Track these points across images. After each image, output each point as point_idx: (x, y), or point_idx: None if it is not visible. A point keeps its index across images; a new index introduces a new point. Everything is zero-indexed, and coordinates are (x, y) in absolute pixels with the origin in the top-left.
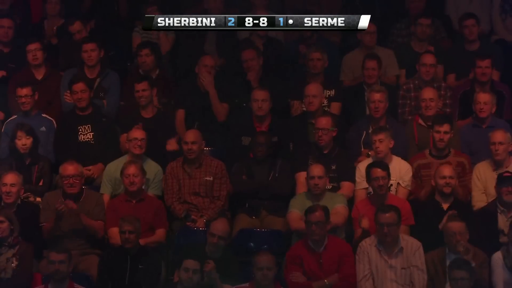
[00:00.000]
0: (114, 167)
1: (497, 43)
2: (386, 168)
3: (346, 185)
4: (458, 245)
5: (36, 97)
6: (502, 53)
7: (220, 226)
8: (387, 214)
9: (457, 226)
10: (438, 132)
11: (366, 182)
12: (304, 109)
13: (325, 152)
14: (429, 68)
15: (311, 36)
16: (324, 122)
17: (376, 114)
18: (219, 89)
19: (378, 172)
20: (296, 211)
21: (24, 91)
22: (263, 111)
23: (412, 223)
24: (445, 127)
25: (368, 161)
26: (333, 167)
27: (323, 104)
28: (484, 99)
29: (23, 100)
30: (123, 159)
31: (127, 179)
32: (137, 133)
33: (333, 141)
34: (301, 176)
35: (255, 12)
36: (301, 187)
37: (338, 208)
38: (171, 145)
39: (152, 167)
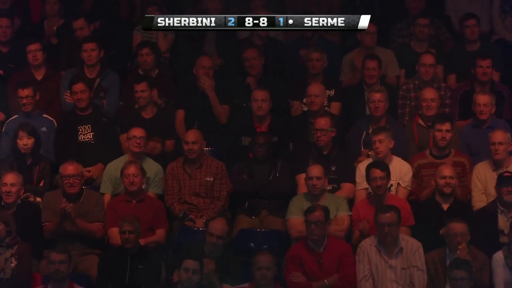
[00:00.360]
0: (114, 166)
1: (497, 43)
2: (385, 168)
3: (346, 186)
4: (460, 251)
5: (37, 97)
6: (502, 53)
7: (218, 226)
8: (387, 214)
9: (459, 227)
10: (440, 130)
11: (366, 182)
12: (305, 109)
13: (325, 153)
14: (428, 68)
15: (312, 36)
16: (322, 122)
17: (376, 113)
18: (219, 90)
19: (377, 172)
20: (296, 218)
21: (26, 92)
22: (263, 111)
23: (412, 224)
24: (447, 126)
25: (368, 161)
26: (333, 168)
27: (324, 104)
28: (484, 101)
29: (25, 101)
30: (123, 159)
31: (127, 179)
32: (136, 131)
33: (333, 141)
34: (302, 178)
35: (254, 13)
36: (303, 189)
37: (341, 217)
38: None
39: (152, 166)
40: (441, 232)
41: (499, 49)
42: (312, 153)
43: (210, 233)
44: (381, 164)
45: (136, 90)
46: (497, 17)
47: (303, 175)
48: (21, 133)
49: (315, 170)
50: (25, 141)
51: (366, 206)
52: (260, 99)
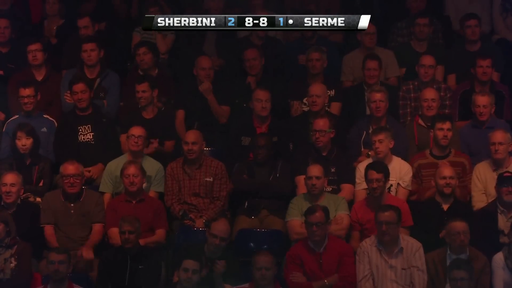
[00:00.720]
0: (114, 165)
1: (498, 43)
2: (382, 170)
3: (346, 187)
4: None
5: (39, 97)
6: (503, 53)
7: (221, 227)
8: (386, 213)
9: (461, 226)
10: (441, 129)
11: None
12: (305, 109)
13: (324, 154)
14: (428, 69)
15: (312, 36)
16: (321, 123)
17: (377, 113)
18: (219, 91)
19: (373, 174)
20: (296, 219)
21: (27, 91)
22: (267, 111)
23: (411, 224)
24: (448, 124)
25: (368, 161)
26: (333, 170)
27: (325, 104)
28: (483, 102)
29: (26, 100)
30: (124, 158)
31: (127, 180)
32: (135, 130)
33: (332, 142)
34: (301, 179)
35: (253, 12)
36: (302, 191)
37: (341, 216)
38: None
39: (153, 165)
40: (441, 235)
41: (500, 49)
42: (311, 154)
43: (213, 235)
44: (379, 166)
45: (137, 90)
46: (498, 16)
47: (302, 177)
48: (19, 134)
49: (315, 170)
50: (23, 142)
51: (364, 207)
52: (264, 100)
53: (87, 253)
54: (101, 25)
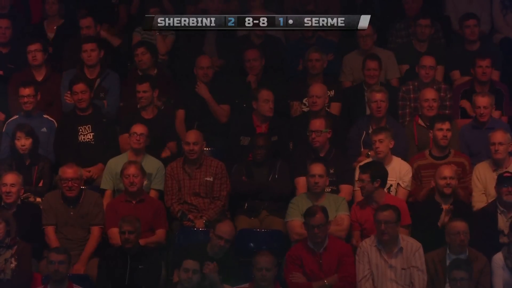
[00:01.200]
0: (115, 162)
1: (502, 42)
2: (367, 171)
3: (344, 188)
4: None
5: (39, 97)
6: (504, 53)
7: (227, 229)
8: (385, 212)
9: (461, 225)
10: (441, 129)
11: None
12: (304, 109)
13: (322, 155)
14: (429, 70)
15: (312, 36)
16: (317, 124)
17: (378, 114)
18: (219, 90)
19: (358, 174)
20: (296, 220)
21: (27, 91)
22: (273, 111)
23: (409, 223)
24: (447, 125)
25: (367, 161)
26: (331, 171)
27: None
28: (484, 103)
29: (26, 100)
30: (125, 156)
31: (127, 180)
32: (138, 128)
33: (329, 143)
34: (300, 180)
35: (252, 13)
36: (302, 192)
37: (341, 217)
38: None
39: (153, 163)
40: (439, 224)
41: (500, 48)
42: (309, 155)
43: (218, 236)
44: (365, 167)
45: (138, 90)
46: (498, 14)
47: (301, 178)
48: (18, 134)
49: (317, 168)
50: (22, 142)
51: (358, 208)
52: (271, 100)
53: (78, 270)
54: (116, 41)
